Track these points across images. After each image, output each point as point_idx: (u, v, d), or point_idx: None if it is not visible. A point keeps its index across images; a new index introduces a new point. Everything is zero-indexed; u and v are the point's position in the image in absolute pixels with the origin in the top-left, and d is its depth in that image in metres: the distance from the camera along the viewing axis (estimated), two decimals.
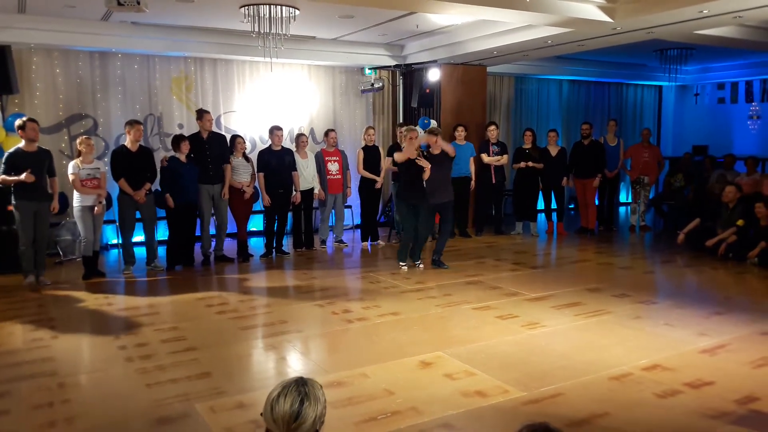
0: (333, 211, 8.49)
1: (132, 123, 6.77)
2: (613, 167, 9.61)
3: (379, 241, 8.68)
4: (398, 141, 8.69)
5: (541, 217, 9.76)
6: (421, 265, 7.05)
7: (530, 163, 9.02)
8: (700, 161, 10.37)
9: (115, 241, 8.26)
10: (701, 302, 5.59)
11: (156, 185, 7.11)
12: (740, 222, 7.41)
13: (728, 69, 12.21)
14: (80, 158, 6.48)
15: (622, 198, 12.67)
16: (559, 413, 3.32)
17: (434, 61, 9.24)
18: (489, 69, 10.17)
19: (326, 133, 8.48)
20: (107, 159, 7.31)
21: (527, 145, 9.18)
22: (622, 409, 3.38)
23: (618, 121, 10.92)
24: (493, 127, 9.15)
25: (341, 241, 8.61)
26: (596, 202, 9.64)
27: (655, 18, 6.44)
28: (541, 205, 9.58)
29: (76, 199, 6.48)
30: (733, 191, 7.64)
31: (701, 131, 12.94)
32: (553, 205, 9.52)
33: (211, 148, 7.33)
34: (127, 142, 6.75)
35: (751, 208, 7.37)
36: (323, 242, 8.46)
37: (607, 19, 6.53)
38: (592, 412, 3.34)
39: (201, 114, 7.42)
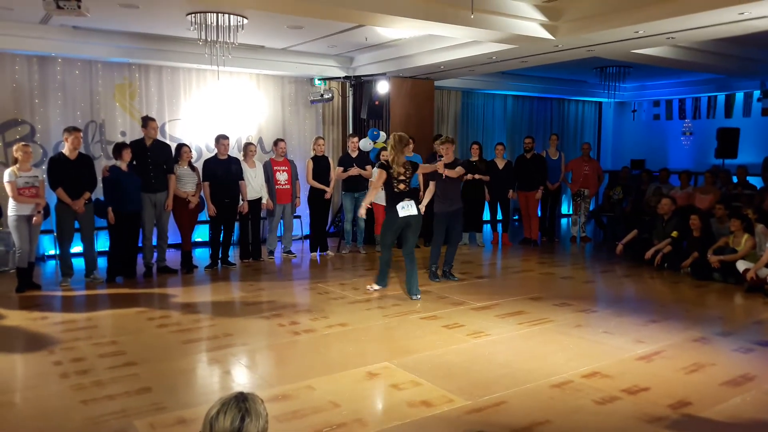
0: (281, 221, 8.42)
1: (70, 130, 6.54)
2: (554, 180, 9.90)
3: (328, 251, 8.65)
4: (348, 152, 8.73)
5: (487, 228, 9.93)
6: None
7: (477, 176, 9.19)
8: (638, 175, 10.80)
9: (52, 252, 7.95)
10: (638, 311, 5.81)
11: (96, 194, 6.89)
12: (674, 233, 7.74)
13: (663, 87, 12.81)
14: (17, 165, 6.22)
15: (564, 210, 13.05)
16: (501, 421, 3.38)
17: (383, 74, 9.32)
18: (437, 83, 10.34)
19: (275, 143, 8.42)
20: (45, 167, 7.05)
21: (474, 158, 9.35)
22: (563, 416, 3.47)
23: (559, 135, 11.27)
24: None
25: (290, 252, 8.54)
26: (539, 214, 9.91)
27: (595, 36, 6.71)
28: (487, 216, 9.75)
29: (12, 208, 6.21)
30: (668, 204, 7.99)
31: (638, 146, 13.50)
32: (499, 216, 9.71)
33: (154, 156, 7.16)
34: (66, 149, 6.53)
35: (684, 220, 7.72)
36: (271, 253, 8.37)
37: (549, 36, 6.75)
38: (534, 419, 3.41)
39: (146, 121, 7.25)
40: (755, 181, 9.78)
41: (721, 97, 12.23)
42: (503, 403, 3.63)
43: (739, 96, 11.96)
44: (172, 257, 7.78)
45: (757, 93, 11.62)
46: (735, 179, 9.55)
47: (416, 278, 6.19)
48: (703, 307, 6.17)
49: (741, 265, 6.77)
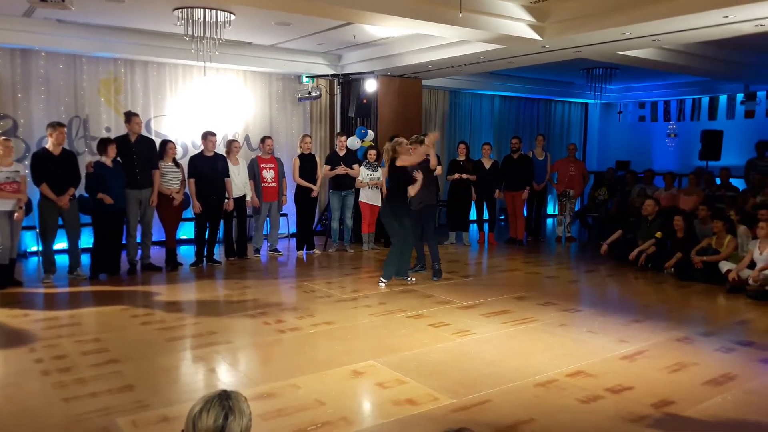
0: (268, 219, 8.38)
1: (54, 125, 6.46)
2: (540, 180, 9.96)
3: (314, 250, 8.63)
4: (336, 150, 8.72)
5: (473, 227, 9.97)
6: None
7: (464, 175, 9.21)
8: (623, 176, 10.89)
9: (34, 249, 7.86)
10: (622, 310, 5.85)
11: (80, 190, 6.82)
12: (658, 234, 7.81)
13: (648, 89, 12.92)
14: None
15: (549, 210, 13.07)
16: (486, 420, 3.39)
17: (371, 72, 9.31)
18: (424, 82, 10.34)
19: (262, 140, 8.37)
20: (27, 162, 6.96)
21: (461, 158, 9.37)
22: (547, 414, 3.49)
23: (546, 136, 11.32)
24: None
25: (276, 250, 8.50)
26: (525, 214, 9.95)
27: (582, 38, 6.75)
28: (473, 215, 9.79)
29: None
30: (652, 205, 8.06)
31: (624, 147, 13.61)
32: (485, 216, 9.74)
33: (139, 152, 7.09)
34: (49, 145, 6.45)
35: (668, 221, 7.79)
36: (257, 251, 8.33)
37: (536, 37, 6.78)
38: (519, 418, 3.43)
39: (129, 117, 7.17)
40: (738, 183, 9.90)
41: (705, 99, 12.36)
42: (488, 402, 3.64)
43: (723, 99, 12.09)
44: (157, 254, 7.71)
45: (740, 96, 11.76)
46: (718, 181, 9.66)
47: (391, 263, 6.65)
48: (686, 308, 6.23)
49: (724, 266, 6.84)
